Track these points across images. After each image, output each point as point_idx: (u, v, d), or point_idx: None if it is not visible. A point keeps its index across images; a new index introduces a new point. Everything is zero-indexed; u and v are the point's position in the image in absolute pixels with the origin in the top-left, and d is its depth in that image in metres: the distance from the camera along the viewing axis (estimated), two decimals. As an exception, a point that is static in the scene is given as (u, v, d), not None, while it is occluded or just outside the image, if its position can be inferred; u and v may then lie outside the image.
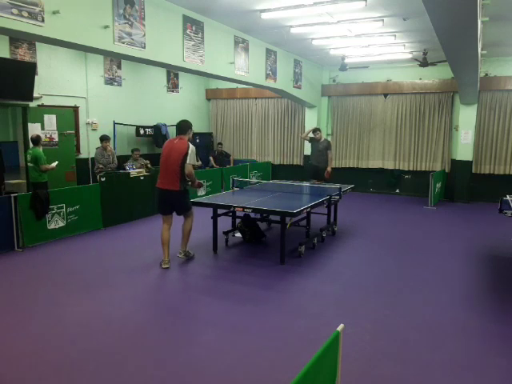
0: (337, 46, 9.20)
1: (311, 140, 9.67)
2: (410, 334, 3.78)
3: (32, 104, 8.38)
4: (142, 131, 10.80)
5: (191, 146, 5.20)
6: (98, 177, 7.93)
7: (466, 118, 10.54)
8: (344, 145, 12.26)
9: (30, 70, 7.90)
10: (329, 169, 9.26)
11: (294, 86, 10.61)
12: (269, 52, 9.29)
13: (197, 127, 13.19)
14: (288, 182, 8.42)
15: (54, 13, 4.82)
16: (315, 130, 9.53)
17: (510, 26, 7.18)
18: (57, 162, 7.40)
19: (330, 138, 12.47)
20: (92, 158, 9.12)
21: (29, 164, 7.37)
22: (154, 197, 8.46)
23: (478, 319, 4.09)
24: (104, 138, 8.35)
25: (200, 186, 5.63)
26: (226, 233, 6.51)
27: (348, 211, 8.82)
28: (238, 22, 7.54)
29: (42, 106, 8.68)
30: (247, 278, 5.12)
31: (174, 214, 5.51)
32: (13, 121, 12.94)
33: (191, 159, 5.17)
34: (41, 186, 7.16)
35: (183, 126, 5.38)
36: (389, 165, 11.80)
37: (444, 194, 11.03)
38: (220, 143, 12.76)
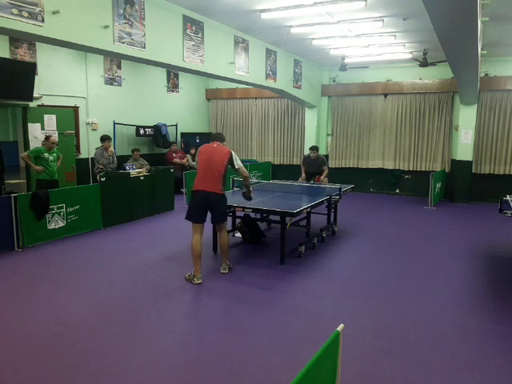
0: (337, 46, 9.20)
1: (305, 159, 9.11)
2: (410, 333, 3.78)
3: (32, 104, 8.38)
4: (141, 131, 10.80)
5: (232, 151, 5.11)
6: (98, 177, 7.93)
7: (466, 117, 10.54)
8: (344, 145, 12.26)
9: (30, 69, 7.91)
10: (321, 177, 8.72)
11: (294, 86, 10.61)
12: (269, 52, 9.29)
13: (197, 127, 13.23)
14: (288, 182, 8.42)
15: (53, 13, 4.82)
16: (312, 149, 8.79)
17: (510, 25, 7.18)
18: (41, 168, 7.28)
19: (329, 139, 12.51)
20: (92, 158, 9.11)
21: None
22: (154, 197, 8.60)
23: (477, 319, 4.09)
24: (105, 138, 8.32)
25: (250, 195, 5.46)
26: (225, 233, 6.51)
27: (348, 211, 8.82)
28: (238, 22, 7.54)
29: (42, 106, 8.68)
30: (247, 277, 5.12)
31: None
32: (13, 121, 13.00)
33: (239, 163, 5.10)
34: (41, 183, 7.16)
35: (221, 135, 5.32)
36: (389, 165, 11.80)
37: (444, 194, 11.04)
38: None
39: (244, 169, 5.17)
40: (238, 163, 5.08)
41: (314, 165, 8.85)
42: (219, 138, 5.25)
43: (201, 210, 4.95)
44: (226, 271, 5.21)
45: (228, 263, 5.29)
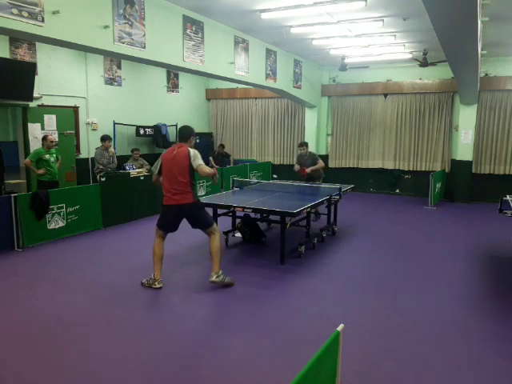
0: (337, 46, 9.20)
1: (298, 159, 8.62)
2: (410, 333, 3.78)
3: (32, 104, 8.38)
4: (141, 131, 10.80)
5: (191, 150, 4.60)
6: (97, 177, 7.93)
7: (466, 117, 10.54)
8: (344, 145, 12.26)
9: (30, 69, 7.91)
10: (308, 170, 8.17)
11: (294, 86, 10.61)
12: (269, 52, 9.29)
13: (197, 127, 13.15)
14: (288, 182, 8.41)
15: (53, 13, 4.82)
16: (301, 145, 8.41)
17: (510, 25, 7.18)
18: (44, 171, 7.29)
19: (329, 139, 12.51)
20: (92, 158, 9.12)
21: None
22: (154, 197, 8.57)
23: (477, 319, 4.09)
24: (106, 138, 8.30)
25: (216, 175, 4.77)
26: (226, 233, 6.51)
27: (348, 211, 8.82)
28: (238, 21, 7.54)
29: (42, 106, 8.68)
30: (247, 277, 5.11)
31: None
32: (13, 121, 12.99)
33: (198, 160, 4.55)
34: (42, 184, 7.18)
35: (184, 133, 4.78)
36: (389, 165, 11.80)
37: (444, 194, 11.04)
38: (222, 145, 12.72)
39: (202, 167, 4.56)
40: (196, 162, 4.54)
41: (306, 162, 8.32)
42: (182, 136, 4.78)
43: (173, 222, 4.74)
44: (214, 279, 4.67)
45: (219, 273, 4.69)
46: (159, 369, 3.19)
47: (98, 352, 3.41)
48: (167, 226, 4.79)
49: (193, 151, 4.59)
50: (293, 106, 12.71)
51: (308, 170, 8.09)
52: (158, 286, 4.72)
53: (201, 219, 4.77)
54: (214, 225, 4.83)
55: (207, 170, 4.63)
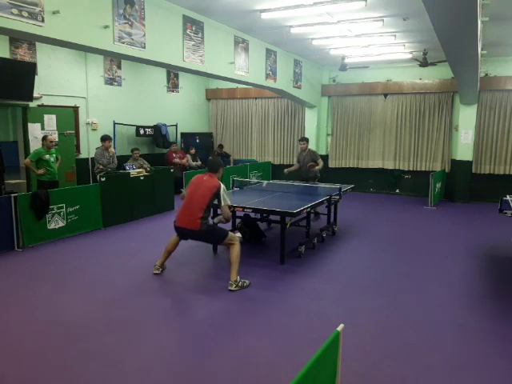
0: (337, 46, 9.20)
1: (298, 156, 8.54)
2: (410, 333, 3.78)
3: (32, 104, 8.38)
4: (141, 131, 10.80)
5: (222, 185, 4.79)
6: (98, 177, 7.93)
7: (466, 117, 10.54)
8: (344, 145, 12.26)
9: (30, 69, 7.91)
10: (315, 167, 8.15)
11: (294, 86, 10.61)
12: (269, 52, 9.29)
13: (197, 127, 13.23)
14: (288, 182, 8.41)
15: (53, 13, 4.82)
16: (302, 139, 8.35)
17: (510, 25, 7.18)
18: (43, 171, 7.29)
19: (329, 139, 12.51)
20: (92, 158, 9.11)
21: None
22: (154, 197, 8.60)
23: (477, 319, 4.09)
24: (106, 138, 8.29)
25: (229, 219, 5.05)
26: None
27: (348, 211, 8.82)
28: (238, 21, 7.54)
29: (42, 106, 8.68)
30: (247, 278, 5.11)
31: None
32: (13, 121, 12.99)
33: (227, 199, 4.76)
34: (42, 184, 7.19)
35: (214, 165, 5.03)
36: (389, 165, 11.79)
37: (444, 194, 11.04)
38: (221, 145, 12.74)
39: (227, 210, 4.78)
40: (226, 201, 4.76)
41: (305, 159, 8.22)
42: (211, 167, 5.02)
43: (183, 238, 5.08)
44: (232, 288, 4.69)
45: (237, 281, 4.74)
46: (159, 368, 3.19)
47: (98, 352, 3.41)
48: (180, 236, 5.08)
49: (223, 187, 4.81)
50: (293, 106, 12.71)
51: (316, 167, 8.15)
52: (154, 271, 5.15)
53: (211, 239, 5.10)
54: (229, 236, 4.88)
55: (230, 216, 4.94)
